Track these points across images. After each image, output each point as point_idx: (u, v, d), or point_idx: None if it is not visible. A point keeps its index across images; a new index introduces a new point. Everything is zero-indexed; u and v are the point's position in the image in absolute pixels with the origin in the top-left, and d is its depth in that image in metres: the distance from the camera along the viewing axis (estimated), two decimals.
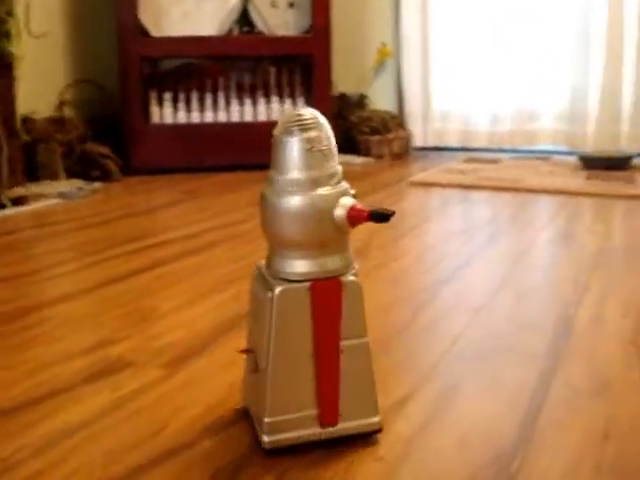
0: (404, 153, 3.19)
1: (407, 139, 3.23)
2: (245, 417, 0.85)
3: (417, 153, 3.25)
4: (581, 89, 2.97)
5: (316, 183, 0.74)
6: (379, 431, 0.80)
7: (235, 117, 2.87)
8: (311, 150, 0.73)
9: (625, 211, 2.02)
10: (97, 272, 1.51)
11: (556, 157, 3.00)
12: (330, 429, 0.78)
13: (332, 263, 0.76)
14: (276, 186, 0.75)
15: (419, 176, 2.60)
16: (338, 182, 0.75)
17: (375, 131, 3.14)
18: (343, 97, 3.27)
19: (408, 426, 0.83)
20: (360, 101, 3.33)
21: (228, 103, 2.88)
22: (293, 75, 2.95)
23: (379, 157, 3.11)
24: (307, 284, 0.75)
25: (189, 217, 2.06)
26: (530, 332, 1.12)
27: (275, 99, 2.90)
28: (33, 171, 2.47)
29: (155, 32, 2.78)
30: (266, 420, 0.76)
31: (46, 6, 2.76)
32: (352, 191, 0.77)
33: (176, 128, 2.83)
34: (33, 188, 2.36)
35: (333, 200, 0.74)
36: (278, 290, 0.75)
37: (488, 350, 1.05)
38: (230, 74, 2.92)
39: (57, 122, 2.63)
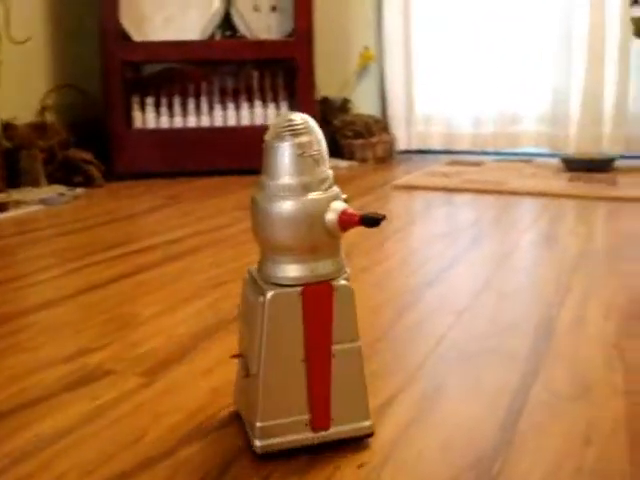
0: (388, 157, 3.19)
1: (391, 143, 3.23)
2: (228, 423, 0.85)
3: (401, 156, 3.25)
4: (563, 91, 2.99)
5: (307, 188, 0.74)
6: (371, 435, 0.80)
7: (218, 122, 2.86)
8: (302, 155, 0.73)
9: (607, 213, 2.03)
10: (79, 278, 1.50)
11: (539, 159, 3.02)
12: (322, 433, 0.78)
13: (323, 267, 0.76)
14: (267, 191, 0.75)
15: (403, 179, 2.60)
16: (329, 187, 0.76)
17: (358, 135, 3.14)
18: (326, 101, 3.27)
19: (392, 428, 0.83)
20: (343, 105, 3.33)
21: (211, 108, 2.88)
22: (276, 79, 2.95)
23: (363, 161, 3.11)
24: (299, 289, 0.75)
25: (172, 222, 2.05)
26: (513, 334, 1.12)
27: (258, 103, 2.90)
28: (15, 177, 2.44)
29: (137, 37, 2.77)
30: (258, 425, 0.76)
31: (27, 11, 2.74)
32: (343, 195, 0.77)
33: (159, 133, 2.82)
34: (14, 194, 2.34)
35: (324, 205, 0.74)
36: (270, 295, 0.75)
37: (471, 352, 1.06)
38: (213, 79, 2.91)
39: (39, 128, 2.61)
